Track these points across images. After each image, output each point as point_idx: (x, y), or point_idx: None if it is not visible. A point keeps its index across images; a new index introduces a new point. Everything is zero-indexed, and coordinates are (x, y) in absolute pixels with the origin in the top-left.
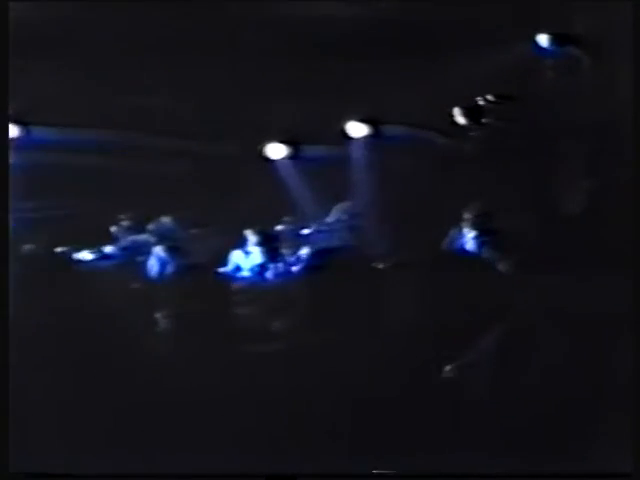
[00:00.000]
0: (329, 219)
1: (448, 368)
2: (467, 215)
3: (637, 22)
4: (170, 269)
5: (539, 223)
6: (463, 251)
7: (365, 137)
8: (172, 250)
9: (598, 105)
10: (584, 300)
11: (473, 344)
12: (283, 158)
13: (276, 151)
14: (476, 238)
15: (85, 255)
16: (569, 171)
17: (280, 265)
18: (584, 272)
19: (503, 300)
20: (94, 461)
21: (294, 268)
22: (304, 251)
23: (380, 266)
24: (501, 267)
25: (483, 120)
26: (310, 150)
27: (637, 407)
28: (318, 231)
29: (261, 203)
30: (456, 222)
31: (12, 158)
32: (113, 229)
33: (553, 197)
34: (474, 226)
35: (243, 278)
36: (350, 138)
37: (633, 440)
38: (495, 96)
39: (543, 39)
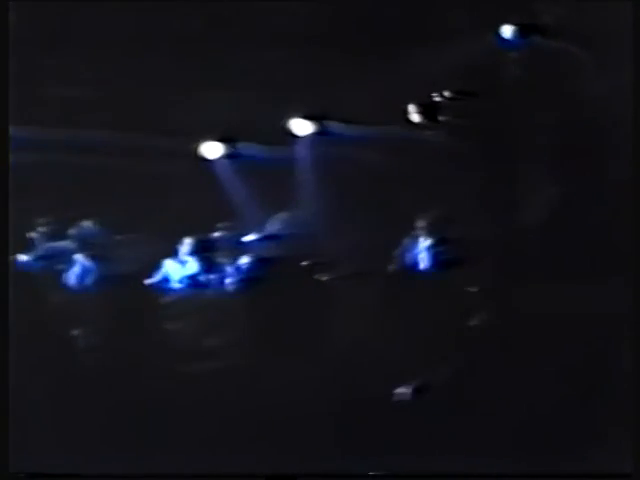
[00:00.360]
0: (271, 226)
1: (401, 389)
2: (422, 223)
3: (637, 22)
4: (92, 279)
5: (501, 231)
6: (417, 262)
7: (310, 135)
8: (95, 258)
9: (568, 103)
10: (560, 306)
11: (431, 360)
12: (220, 157)
13: (212, 150)
14: (432, 248)
15: None
16: (534, 175)
17: (216, 276)
18: (550, 283)
19: (460, 313)
20: (94, 461)
21: (231, 279)
22: (243, 261)
23: (325, 278)
24: (459, 279)
25: (440, 118)
26: (250, 149)
27: (637, 407)
28: (259, 239)
29: (196, 207)
30: (410, 230)
31: None
32: (30, 235)
33: (516, 203)
34: (430, 235)
35: (175, 290)
36: (294, 136)
37: (633, 440)
38: (453, 92)
39: (507, 31)
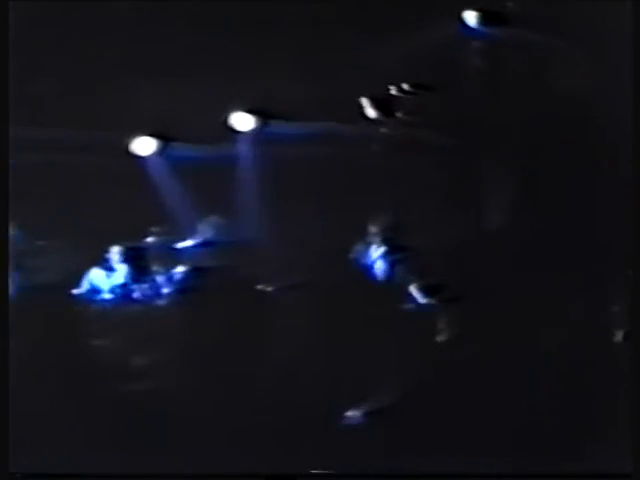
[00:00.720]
0: (208, 231)
1: (351, 413)
2: (377, 228)
3: (637, 22)
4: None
5: (461, 239)
6: (369, 271)
7: (253, 131)
8: (12, 266)
9: (533, 100)
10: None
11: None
12: (153, 154)
13: (145, 146)
14: (386, 256)
15: None
16: (497, 177)
17: (149, 286)
18: (508, 299)
19: (415, 329)
20: (94, 461)
21: (166, 290)
22: (178, 269)
23: (268, 289)
24: (415, 291)
25: (397, 114)
26: (186, 146)
27: (637, 407)
28: (195, 246)
29: (127, 210)
30: (363, 236)
31: None
32: None
33: (478, 208)
34: (383, 241)
35: (103, 301)
36: (235, 132)
37: (633, 440)
38: (412, 85)
39: (472, 17)
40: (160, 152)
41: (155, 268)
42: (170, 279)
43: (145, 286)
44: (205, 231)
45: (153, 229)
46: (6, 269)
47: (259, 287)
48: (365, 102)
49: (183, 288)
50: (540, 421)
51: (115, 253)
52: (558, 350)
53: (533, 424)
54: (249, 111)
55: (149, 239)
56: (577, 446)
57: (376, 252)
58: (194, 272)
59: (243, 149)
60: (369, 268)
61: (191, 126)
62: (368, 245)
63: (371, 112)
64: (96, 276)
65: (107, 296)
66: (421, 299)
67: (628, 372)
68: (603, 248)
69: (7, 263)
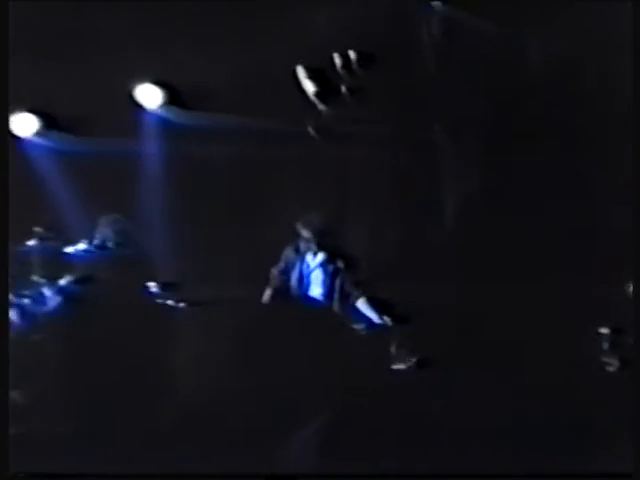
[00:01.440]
0: (102, 234)
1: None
2: (306, 231)
3: (637, 22)
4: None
5: (404, 243)
6: (305, 284)
7: (161, 107)
8: None
9: (502, 85)
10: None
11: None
12: (36, 135)
13: (25, 125)
14: (325, 265)
15: None
16: (456, 171)
17: (30, 299)
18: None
19: (351, 354)
20: (94, 461)
21: (51, 303)
22: (65, 280)
23: (170, 302)
24: (364, 306)
25: (340, 87)
26: (76, 124)
27: (637, 407)
28: (87, 250)
29: (5, 205)
30: (294, 241)
31: None
32: None
33: (434, 207)
34: (316, 247)
35: None
36: (140, 108)
37: (633, 440)
38: (359, 55)
39: None
40: (45, 133)
41: (39, 277)
42: (57, 290)
43: (27, 299)
44: (100, 233)
45: (37, 230)
46: (6, 273)
47: (168, 302)
48: (302, 72)
49: (72, 301)
50: (542, 421)
51: None
52: (559, 351)
53: (534, 424)
54: (157, 83)
55: (32, 242)
56: (578, 446)
57: (313, 260)
58: (85, 282)
59: (148, 128)
60: (304, 280)
61: (83, 100)
62: (299, 250)
63: (309, 85)
64: None
65: None
66: (373, 316)
67: (629, 373)
68: (569, 250)
69: (7, 265)
